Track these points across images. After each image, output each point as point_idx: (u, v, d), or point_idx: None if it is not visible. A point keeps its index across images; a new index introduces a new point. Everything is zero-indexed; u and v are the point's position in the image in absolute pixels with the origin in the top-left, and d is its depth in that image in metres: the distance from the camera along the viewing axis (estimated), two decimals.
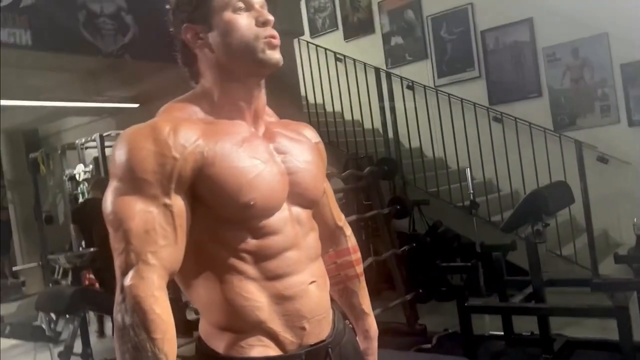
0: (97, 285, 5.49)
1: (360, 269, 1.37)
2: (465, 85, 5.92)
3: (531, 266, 3.10)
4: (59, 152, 6.88)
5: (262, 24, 1.07)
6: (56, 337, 3.53)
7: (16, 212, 8.06)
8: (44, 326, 3.81)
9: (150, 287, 0.90)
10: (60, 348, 3.48)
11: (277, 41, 1.08)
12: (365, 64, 5.63)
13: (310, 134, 1.26)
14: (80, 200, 6.17)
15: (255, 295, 1.02)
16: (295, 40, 5.65)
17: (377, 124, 5.57)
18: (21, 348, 4.11)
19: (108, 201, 0.95)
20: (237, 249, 1.02)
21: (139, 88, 6.33)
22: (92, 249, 3.93)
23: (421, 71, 6.18)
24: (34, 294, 6.16)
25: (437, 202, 5.03)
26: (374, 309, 1.40)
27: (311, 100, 5.84)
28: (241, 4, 1.07)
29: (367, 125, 5.69)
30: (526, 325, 3.46)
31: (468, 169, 4.75)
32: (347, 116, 5.80)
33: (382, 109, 5.45)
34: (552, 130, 5.27)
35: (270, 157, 1.08)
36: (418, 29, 6.33)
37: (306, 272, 1.08)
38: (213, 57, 1.07)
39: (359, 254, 1.38)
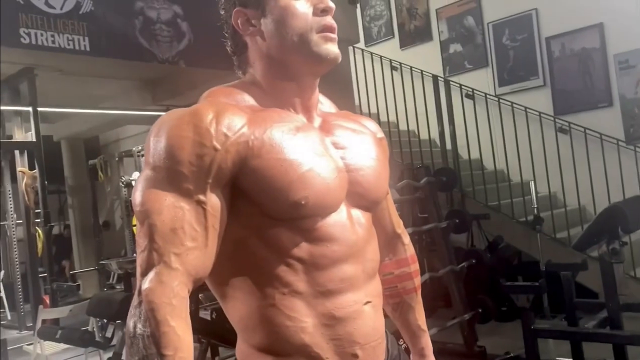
0: None
1: (418, 281, 1.22)
2: (528, 94, 5.64)
3: (606, 288, 2.82)
4: (117, 159, 7.04)
5: (322, 11, 0.94)
6: (106, 342, 3.51)
7: (75, 217, 8.29)
8: (95, 331, 3.82)
9: (169, 294, 0.78)
10: (110, 354, 3.46)
11: (334, 34, 0.95)
12: (422, 72, 5.44)
13: (374, 127, 1.12)
14: None
15: (301, 314, 0.88)
16: (350, 48, 5.55)
17: (434, 134, 5.36)
18: (72, 352, 4.13)
19: (137, 191, 0.85)
20: (287, 253, 0.88)
21: (194, 96, 6.38)
22: None
23: (481, 79, 5.94)
24: (90, 297, 6.29)
25: (497, 217, 4.77)
26: (429, 328, 1.26)
27: (365, 109, 5.70)
28: None
29: (423, 135, 5.49)
30: (597, 353, 3.17)
31: (532, 181, 4.50)
32: (402, 126, 5.62)
33: (439, 118, 5.23)
34: (624, 141, 4.92)
35: (326, 151, 0.94)
36: (478, 36, 6.09)
37: (362, 290, 0.94)
38: (265, 46, 0.96)
39: (417, 265, 1.24)
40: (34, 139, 5.36)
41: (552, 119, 5.17)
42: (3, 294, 7.08)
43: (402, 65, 5.78)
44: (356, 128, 1.04)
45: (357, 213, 0.97)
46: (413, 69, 5.57)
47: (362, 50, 5.92)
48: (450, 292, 3.81)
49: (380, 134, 1.13)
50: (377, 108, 5.81)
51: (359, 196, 0.97)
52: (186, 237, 0.82)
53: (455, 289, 3.77)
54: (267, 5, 0.94)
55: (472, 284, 3.98)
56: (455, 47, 6.30)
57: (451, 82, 5.38)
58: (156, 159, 0.85)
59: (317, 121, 1.00)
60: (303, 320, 0.88)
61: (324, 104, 1.07)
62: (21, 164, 5.79)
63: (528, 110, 5.09)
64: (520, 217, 4.77)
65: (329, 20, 0.95)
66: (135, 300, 0.80)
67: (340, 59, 0.96)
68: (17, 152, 5.82)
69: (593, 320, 2.94)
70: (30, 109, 5.30)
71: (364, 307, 0.93)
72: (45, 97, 5.55)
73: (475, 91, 5.47)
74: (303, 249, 0.89)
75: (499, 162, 5.21)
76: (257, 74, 0.98)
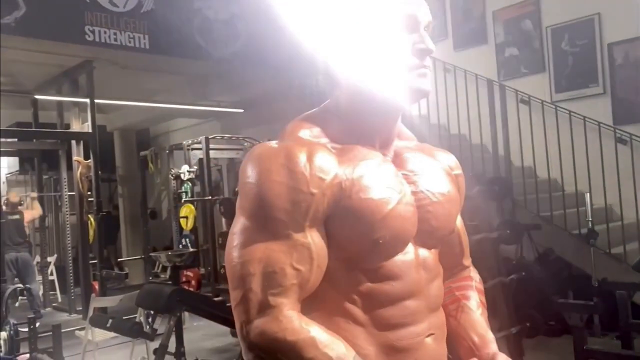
0: (192, 283, 5.64)
1: (482, 297, 1.14)
2: (586, 102, 5.43)
3: None
4: (167, 151, 7.19)
5: (421, 52, 0.90)
6: (153, 333, 3.60)
7: (125, 206, 8.54)
8: (142, 321, 3.92)
9: (284, 322, 0.81)
10: (156, 345, 3.54)
11: (428, 72, 0.92)
12: (476, 75, 5.33)
13: (451, 162, 1.09)
14: (184, 199, 6.39)
15: (363, 342, 0.89)
16: None
17: (486, 140, 5.24)
18: (120, 338, 4.25)
19: (235, 244, 0.86)
20: (349, 291, 0.89)
21: (244, 94, 6.47)
22: (190, 250, 3.99)
23: (537, 85, 5.76)
24: (137, 285, 6.47)
25: (549, 228, 4.63)
26: None
27: (415, 111, 5.63)
28: (407, 21, 0.90)
29: (475, 140, 5.38)
30: None
31: (587, 193, 4.33)
32: (453, 130, 5.52)
33: (492, 123, 5.10)
34: None
35: (402, 187, 0.93)
36: (536, 40, 5.91)
37: (424, 323, 0.93)
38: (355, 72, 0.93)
39: (481, 285, 1.17)
40: (90, 130, 5.54)
41: (612, 128, 4.97)
42: (55, 277, 7.36)
43: (456, 67, 5.67)
44: (430, 162, 1.02)
45: (424, 253, 0.96)
46: (467, 71, 5.46)
47: None
48: (497, 305, 3.72)
49: (458, 170, 1.09)
50: (427, 110, 5.72)
51: (426, 234, 0.96)
52: (286, 279, 0.83)
53: (503, 301, 3.68)
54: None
55: (521, 297, 3.88)
56: (511, 51, 6.14)
57: (506, 87, 5.25)
58: (252, 206, 0.85)
59: (391, 154, 0.98)
60: (365, 347, 0.89)
61: (404, 135, 1.05)
62: (77, 154, 5.99)
63: (586, 119, 4.91)
64: (573, 230, 4.61)
65: (426, 62, 0.92)
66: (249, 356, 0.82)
67: (429, 95, 0.94)
68: (73, 142, 6.03)
69: None
70: (87, 100, 5.48)
71: (425, 340, 0.94)
72: (102, 90, 5.71)
73: (531, 97, 5.32)
74: (365, 288, 0.90)
75: (552, 171, 5.05)
76: (341, 100, 0.96)
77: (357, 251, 0.88)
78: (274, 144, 0.89)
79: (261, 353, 0.81)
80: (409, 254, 0.93)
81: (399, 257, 0.91)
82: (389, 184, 0.90)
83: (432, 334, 0.94)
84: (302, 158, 0.85)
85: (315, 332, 0.81)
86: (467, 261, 1.17)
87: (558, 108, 5.14)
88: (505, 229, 3.85)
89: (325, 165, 0.86)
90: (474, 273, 1.18)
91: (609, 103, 5.36)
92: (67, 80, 5.84)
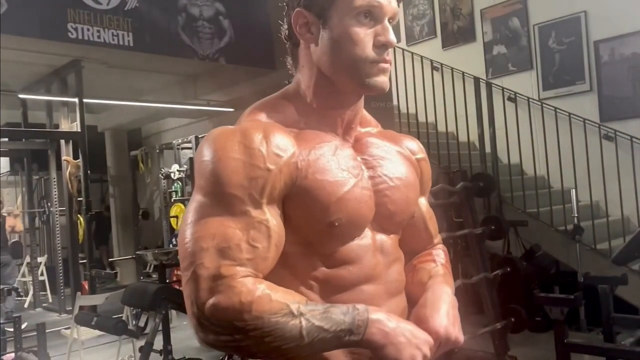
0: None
1: (442, 265, 1.09)
2: (573, 99, 5.46)
3: None
4: (157, 151, 7.19)
5: (381, 45, 0.91)
6: (138, 331, 3.60)
7: (116, 206, 8.51)
8: (128, 320, 3.91)
9: (245, 283, 0.79)
10: (142, 343, 3.54)
11: (388, 66, 0.93)
12: (463, 74, 5.35)
13: (415, 147, 1.09)
14: (174, 198, 6.38)
15: None
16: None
17: (473, 137, 5.26)
18: (107, 338, 4.24)
19: (188, 222, 0.83)
20: (306, 276, 0.89)
21: (235, 93, 6.47)
22: (177, 248, 3.99)
23: (525, 82, 5.79)
24: (127, 285, 6.46)
25: (535, 224, 4.65)
26: None
27: (404, 109, 5.64)
28: (369, 12, 0.90)
29: (462, 138, 5.40)
30: None
31: (573, 189, 4.36)
32: (441, 128, 5.53)
33: (479, 121, 5.13)
34: None
35: (360, 172, 0.94)
36: (523, 37, 5.94)
37: (383, 308, 0.92)
38: (316, 56, 0.94)
39: (446, 257, 1.13)
40: (79, 129, 5.52)
41: (597, 125, 5.00)
42: (45, 278, 7.33)
43: (444, 65, 5.69)
44: (390, 148, 1.02)
45: (381, 237, 0.97)
46: (454, 70, 5.48)
47: (403, 50, 5.86)
48: (482, 300, 3.74)
49: (421, 155, 1.10)
50: (415, 109, 5.74)
51: (384, 219, 0.96)
52: (242, 254, 0.80)
53: (488, 296, 3.70)
54: (329, 19, 0.91)
55: (506, 293, 3.89)
56: (499, 49, 6.16)
57: (493, 85, 5.27)
58: (209, 183, 0.84)
59: (352, 139, 0.99)
60: None
61: (367, 121, 1.06)
62: (66, 153, 5.97)
63: (572, 115, 4.93)
64: (559, 226, 4.64)
65: (386, 55, 0.93)
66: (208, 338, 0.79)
67: (387, 90, 0.95)
68: (62, 142, 6.01)
69: (631, 337, 2.84)
70: (76, 100, 5.47)
71: None
72: (91, 89, 5.70)
73: (517, 94, 5.34)
74: (322, 273, 0.90)
75: (539, 168, 5.08)
76: (303, 81, 0.97)
77: (313, 234, 0.88)
78: (231, 126, 0.90)
79: (216, 328, 0.77)
80: (366, 238, 0.93)
81: (356, 242, 0.92)
82: (346, 167, 0.91)
83: None
84: (258, 136, 0.85)
85: (270, 288, 0.79)
86: (436, 239, 1.16)
87: (544, 105, 5.16)
88: (490, 225, 3.86)
89: (282, 143, 0.86)
90: (438, 249, 1.15)
91: (595, 100, 5.39)
92: (56, 80, 5.83)
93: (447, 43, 6.63)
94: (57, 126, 6.21)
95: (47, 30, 3.24)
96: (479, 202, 4.50)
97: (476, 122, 5.17)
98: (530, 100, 5.25)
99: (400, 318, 0.88)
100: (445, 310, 0.94)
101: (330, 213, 0.87)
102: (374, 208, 0.94)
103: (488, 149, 5.14)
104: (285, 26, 0.99)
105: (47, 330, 3.48)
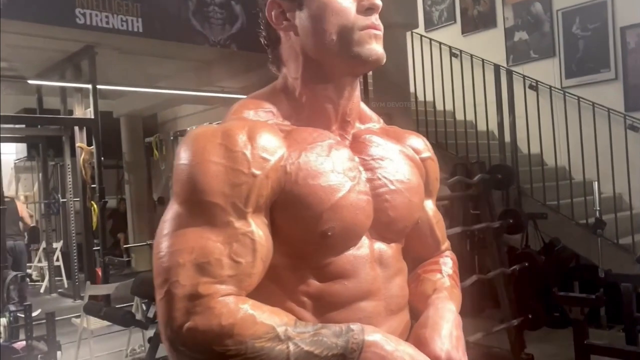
0: None
1: (450, 279, 0.99)
2: (597, 88, 5.28)
3: None
4: (172, 137, 7.15)
5: (366, 10, 0.83)
6: (147, 322, 3.56)
7: (131, 192, 8.52)
8: (139, 310, 3.88)
9: (226, 304, 0.70)
10: (152, 333, 3.51)
11: (380, 32, 0.84)
12: (483, 60, 5.19)
13: (421, 145, 0.99)
14: None
15: None
16: (408, 34, 5.34)
17: (492, 126, 5.11)
18: (118, 327, 4.23)
19: (164, 235, 0.74)
20: (296, 291, 0.80)
21: (249, 80, 6.37)
22: None
23: (547, 70, 5.60)
24: (143, 271, 6.47)
25: (555, 217, 4.51)
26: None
27: (421, 97, 5.51)
28: None
29: (481, 127, 5.25)
30: None
31: (595, 182, 4.22)
32: (459, 116, 5.39)
33: (499, 109, 4.97)
34: None
35: (358, 174, 0.84)
36: (546, 23, 5.74)
37: (383, 327, 0.83)
38: (299, 44, 0.85)
39: (454, 267, 1.03)
40: (93, 116, 5.49)
41: (622, 115, 4.82)
42: (61, 263, 7.39)
43: (463, 52, 5.53)
44: (392, 147, 0.92)
45: (380, 247, 0.87)
46: (474, 56, 5.32)
47: (421, 36, 5.70)
48: (499, 295, 3.63)
49: (427, 153, 0.99)
50: (433, 96, 5.60)
51: (383, 227, 0.87)
52: (222, 270, 0.71)
53: (504, 292, 3.59)
54: None
55: (524, 288, 3.78)
56: (520, 35, 5.97)
57: (514, 73, 5.10)
58: (186, 190, 0.75)
59: (349, 137, 0.90)
60: None
61: (367, 117, 0.96)
62: (80, 140, 5.95)
63: (596, 105, 4.75)
64: (580, 219, 4.49)
65: (375, 19, 0.84)
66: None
67: (384, 61, 0.85)
68: (76, 128, 6.00)
69: None
70: (90, 86, 5.42)
71: None
72: (105, 75, 5.66)
73: (539, 82, 5.17)
74: (314, 288, 0.81)
75: (560, 159, 4.92)
76: (290, 75, 0.88)
77: (304, 245, 0.79)
78: (214, 125, 0.81)
79: (193, 354, 0.68)
80: (363, 248, 0.84)
81: (351, 252, 0.82)
82: (341, 170, 0.82)
83: None
84: (242, 137, 0.76)
85: (254, 308, 0.71)
86: (444, 246, 1.06)
87: (567, 94, 4.99)
88: (508, 219, 3.74)
89: (269, 145, 0.77)
90: (445, 256, 1.05)
91: (620, 89, 5.20)
92: (69, 66, 5.79)
93: (466, 29, 6.46)
94: (71, 112, 6.19)
95: (55, 15, 3.17)
96: (497, 194, 4.37)
97: (496, 111, 5.01)
98: (552, 88, 5.08)
99: (400, 339, 0.79)
100: (447, 332, 0.84)
101: (322, 222, 0.78)
102: (372, 215, 0.85)
103: (507, 139, 4.98)
104: (263, 33, 0.91)
105: (59, 318, 3.47)
